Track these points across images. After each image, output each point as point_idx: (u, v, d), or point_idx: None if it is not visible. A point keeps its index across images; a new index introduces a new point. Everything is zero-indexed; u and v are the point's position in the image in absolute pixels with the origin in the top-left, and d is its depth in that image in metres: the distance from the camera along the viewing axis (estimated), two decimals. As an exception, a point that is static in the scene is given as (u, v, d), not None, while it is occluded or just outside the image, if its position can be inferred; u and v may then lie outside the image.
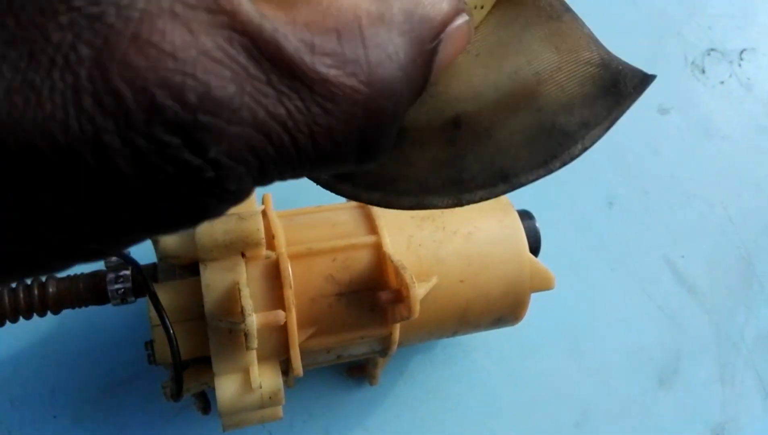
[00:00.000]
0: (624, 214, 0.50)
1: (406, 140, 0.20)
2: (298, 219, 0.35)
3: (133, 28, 0.13)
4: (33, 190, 0.13)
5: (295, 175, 0.15)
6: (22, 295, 0.34)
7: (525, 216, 0.38)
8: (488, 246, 0.35)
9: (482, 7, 0.20)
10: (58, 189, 0.13)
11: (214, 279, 0.31)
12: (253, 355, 0.31)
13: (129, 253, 0.33)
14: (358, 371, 0.42)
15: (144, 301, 0.36)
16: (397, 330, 0.34)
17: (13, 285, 0.35)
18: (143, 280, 0.31)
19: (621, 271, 0.49)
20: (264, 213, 0.34)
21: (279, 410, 0.35)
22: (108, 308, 0.37)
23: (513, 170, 0.20)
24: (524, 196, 0.40)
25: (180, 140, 0.13)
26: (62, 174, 0.13)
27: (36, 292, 0.34)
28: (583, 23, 0.21)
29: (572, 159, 0.20)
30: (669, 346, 0.48)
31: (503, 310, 0.36)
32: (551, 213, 0.48)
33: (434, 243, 0.35)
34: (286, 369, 0.34)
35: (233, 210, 0.32)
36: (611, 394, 0.46)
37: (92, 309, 0.37)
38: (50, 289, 0.34)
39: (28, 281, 0.35)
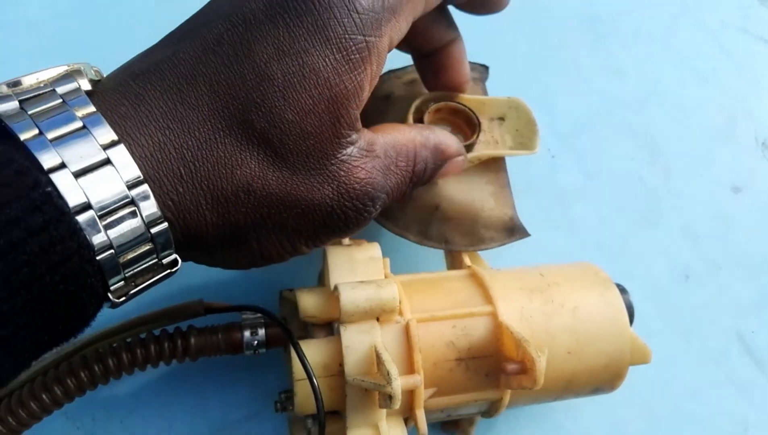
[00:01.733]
0: (699, 287, 0.53)
1: (411, 204, 0.41)
2: (417, 285, 0.39)
3: (353, 173, 0.31)
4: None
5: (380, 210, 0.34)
6: (167, 345, 0.37)
7: (620, 289, 0.41)
8: (593, 321, 0.38)
9: (477, 162, 0.42)
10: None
11: (353, 340, 0.34)
12: (384, 412, 0.34)
13: (271, 312, 0.37)
14: (453, 426, 0.45)
15: (270, 353, 0.40)
16: (508, 395, 0.37)
17: (156, 332, 0.38)
18: (290, 338, 0.34)
19: (694, 342, 0.52)
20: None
21: (392, 463, 0.38)
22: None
23: (451, 241, 0.41)
24: (606, 268, 0.43)
25: (372, 205, 0.32)
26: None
27: (179, 342, 0.37)
28: (511, 191, 0.44)
29: (476, 250, 0.42)
30: (737, 417, 0.50)
31: (604, 381, 0.39)
32: (630, 284, 0.51)
33: (544, 315, 0.38)
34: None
35: (372, 275, 0.36)
36: (684, 461, 0.48)
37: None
38: (192, 341, 0.37)
39: (170, 330, 0.38)
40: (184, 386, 0.44)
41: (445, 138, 0.37)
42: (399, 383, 0.31)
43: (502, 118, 0.45)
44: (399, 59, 0.47)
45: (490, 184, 0.43)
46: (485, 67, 0.52)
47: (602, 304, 0.39)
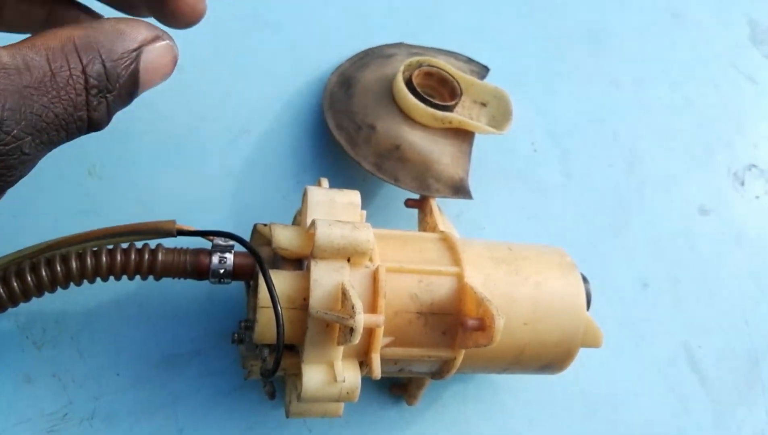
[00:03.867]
0: (656, 297, 0.55)
1: (374, 137, 0.46)
2: (390, 239, 0.39)
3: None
4: None
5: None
6: (133, 257, 0.37)
7: (583, 278, 0.42)
8: (553, 297, 0.39)
9: (449, 124, 0.47)
10: None
11: (322, 276, 0.34)
12: (341, 350, 0.35)
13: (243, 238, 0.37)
14: (400, 389, 0.45)
15: (225, 290, 0.40)
16: (461, 355, 0.38)
17: (124, 246, 0.38)
18: (259, 264, 0.34)
19: (644, 348, 0.53)
20: (361, 227, 0.38)
21: (340, 408, 0.38)
22: (185, 284, 0.40)
23: (401, 180, 0.45)
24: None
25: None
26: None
27: (146, 256, 0.37)
28: (469, 162, 0.48)
29: (421, 194, 0.46)
30: (673, 426, 0.52)
31: (554, 358, 0.40)
32: (592, 283, 0.52)
33: (508, 285, 0.39)
34: (357, 370, 0.37)
35: (349, 219, 0.36)
36: (616, 460, 0.50)
37: (169, 280, 0.40)
38: (159, 257, 0.37)
39: (138, 245, 0.38)
40: (137, 313, 0.44)
41: (124, 23, 0.28)
42: (362, 317, 0.31)
43: (484, 104, 0.49)
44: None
45: (452, 147, 0.47)
46: (486, 69, 0.55)
47: (564, 283, 0.40)
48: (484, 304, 0.34)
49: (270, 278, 0.34)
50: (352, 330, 0.31)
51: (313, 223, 0.35)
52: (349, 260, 0.35)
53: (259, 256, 0.35)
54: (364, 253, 0.35)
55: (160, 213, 0.46)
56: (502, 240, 0.49)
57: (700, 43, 0.66)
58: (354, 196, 0.38)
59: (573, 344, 0.40)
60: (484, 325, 0.34)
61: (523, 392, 0.49)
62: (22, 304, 0.37)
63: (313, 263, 0.35)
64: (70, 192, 0.46)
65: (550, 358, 0.40)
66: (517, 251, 0.41)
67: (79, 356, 0.43)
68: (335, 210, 0.37)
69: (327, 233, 0.34)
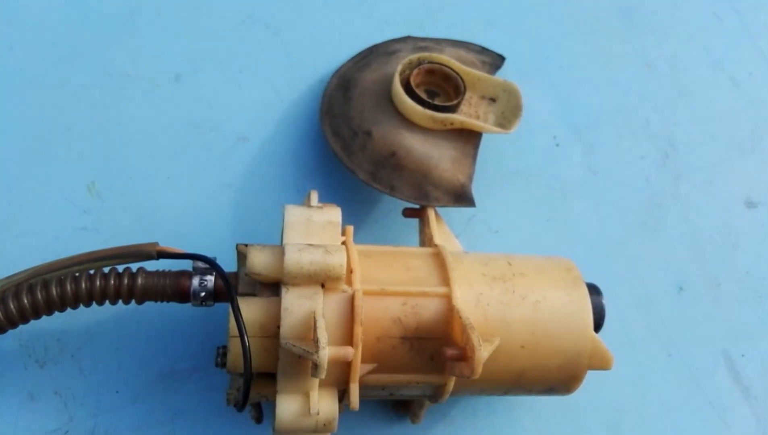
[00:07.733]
0: (692, 302, 0.50)
1: (369, 144, 0.44)
2: (376, 256, 0.37)
3: None
4: None
5: None
6: (112, 282, 0.36)
7: (593, 290, 0.38)
8: (554, 317, 0.36)
9: (450, 126, 0.44)
10: None
11: (293, 304, 0.32)
12: (316, 381, 0.33)
13: (217, 263, 0.36)
14: (404, 407, 0.43)
15: (220, 306, 0.39)
16: (452, 382, 0.35)
17: (106, 270, 0.37)
18: (228, 292, 0.33)
19: (678, 358, 0.49)
20: (344, 245, 0.36)
21: (327, 435, 0.36)
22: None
23: (397, 189, 0.43)
24: (595, 268, 0.41)
25: None
26: None
27: (126, 281, 0.37)
28: (473, 164, 0.45)
29: (419, 204, 0.43)
30: (713, 442, 0.48)
31: (557, 381, 0.37)
32: (619, 288, 0.49)
33: (502, 305, 0.36)
34: (341, 397, 0.35)
35: (321, 242, 0.34)
36: (646, 480, 0.46)
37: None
38: (139, 281, 0.37)
39: (119, 269, 0.38)
40: (137, 330, 0.44)
41: None
42: (326, 353, 0.29)
43: (493, 99, 0.46)
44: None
45: (454, 150, 0.43)
46: (501, 58, 0.52)
47: (567, 301, 0.37)
48: (466, 332, 0.32)
49: (237, 307, 0.32)
50: (316, 365, 0.29)
51: (283, 247, 0.33)
52: (323, 286, 0.33)
53: (229, 283, 0.33)
54: (338, 278, 0.33)
55: (160, 229, 0.46)
56: (515, 245, 0.46)
57: (748, 13, 0.60)
58: (334, 215, 0.36)
59: (578, 368, 0.36)
60: (465, 355, 0.32)
61: (541, 411, 0.46)
62: (23, 325, 0.37)
63: (283, 290, 0.33)
64: (70, 210, 0.46)
65: (553, 382, 0.37)
66: (517, 266, 0.38)
67: (80, 374, 0.43)
68: (313, 230, 0.35)
69: (296, 260, 0.32)
